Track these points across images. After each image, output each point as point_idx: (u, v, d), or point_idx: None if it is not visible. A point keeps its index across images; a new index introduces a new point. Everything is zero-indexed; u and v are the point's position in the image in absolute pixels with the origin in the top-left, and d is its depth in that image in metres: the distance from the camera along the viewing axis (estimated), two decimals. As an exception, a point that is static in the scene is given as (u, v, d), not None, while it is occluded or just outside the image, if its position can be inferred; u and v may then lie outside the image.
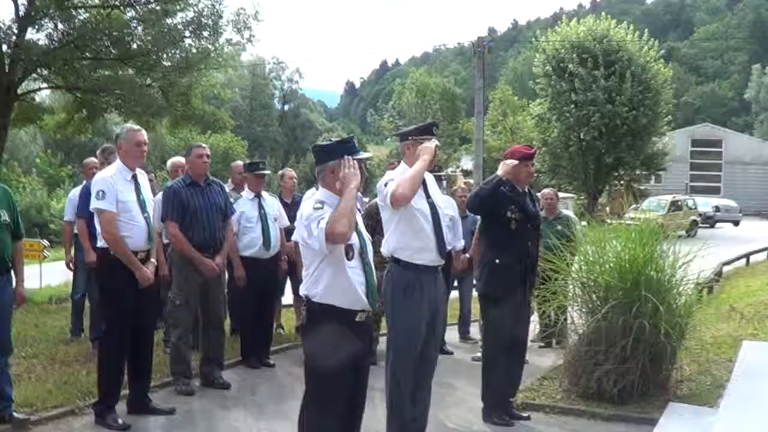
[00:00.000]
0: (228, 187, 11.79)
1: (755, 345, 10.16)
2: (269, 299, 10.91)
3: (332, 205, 5.50)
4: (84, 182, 11.84)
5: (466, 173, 59.83)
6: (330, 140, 5.97)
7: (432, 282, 7.05)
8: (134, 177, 8.05)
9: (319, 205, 5.47)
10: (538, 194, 10.48)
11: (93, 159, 12.03)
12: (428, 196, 7.07)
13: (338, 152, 5.69)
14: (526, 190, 8.43)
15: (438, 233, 7.01)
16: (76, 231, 11.41)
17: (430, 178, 7.25)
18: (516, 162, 8.06)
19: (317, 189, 5.92)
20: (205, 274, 9.13)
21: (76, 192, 11.81)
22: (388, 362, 7.07)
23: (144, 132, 8.24)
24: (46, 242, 19.35)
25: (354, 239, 5.63)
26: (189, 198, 9.13)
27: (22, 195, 49.63)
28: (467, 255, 11.46)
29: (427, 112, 68.61)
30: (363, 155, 5.85)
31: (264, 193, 10.78)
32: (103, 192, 7.76)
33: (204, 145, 9.56)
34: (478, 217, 9.14)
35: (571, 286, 9.24)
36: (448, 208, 11.11)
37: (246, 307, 10.71)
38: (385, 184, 6.86)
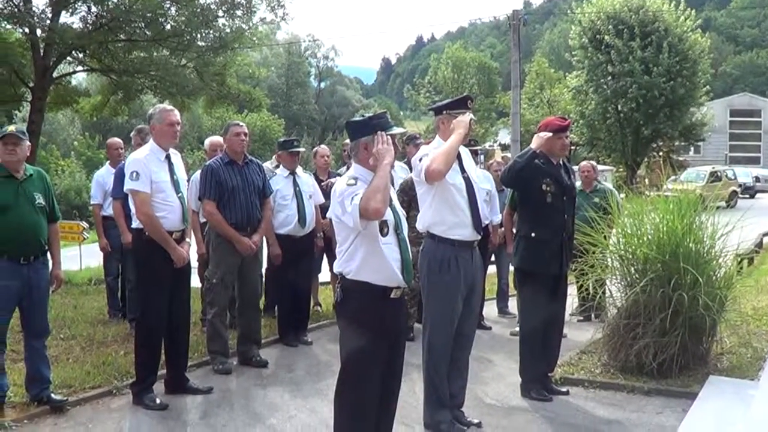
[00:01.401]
0: (272, 164, 11.79)
1: (797, 316, 10.04)
2: (305, 276, 10.89)
3: (366, 180, 5.45)
4: (107, 163, 11.88)
5: (504, 147, 59.69)
6: (363, 116, 5.91)
7: (468, 257, 7.02)
8: (167, 157, 8.01)
9: (353, 181, 5.42)
10: (575, 167, 10.36)
11: (117, 139, 12.10)
12: (463, 171, 7.04)
13: (371, 127, 5.63)
14: (562, 162, 8.34)
15: (474, 208, 6.97)
16: (104, 213, 11.46)
17: (465, 153, 7.22)
18: (549, 134, 7.97)
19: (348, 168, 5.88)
20: (242, 252, 9.11)
21: (101, 173, 11.87)
22: (425, 338, 7.06)
23: (177, 112, 8.21)
24: (85, 224, 19.39)
25: (388, 215, 5.56)
26: (226, 177, 9.10)
27: (61, 178, 50.07)
28: (503, 229, 11.41)
29: (464, 86, 68.56)
30: (396, 130, 5.80)
31: (299, 170, 10.73)
32: (137, 173, 7.74)
33: (241, 123, 9.52)
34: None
35: (609, 260, 9.16)
36: (484, 182, 11.06)
37: (282, 284, 10.70)
38: (420, 159, 6.82)
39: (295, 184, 10.50)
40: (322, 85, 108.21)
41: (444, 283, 6.87)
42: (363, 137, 5.63)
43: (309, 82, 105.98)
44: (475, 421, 7.31)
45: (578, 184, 12.01)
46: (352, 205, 5.27)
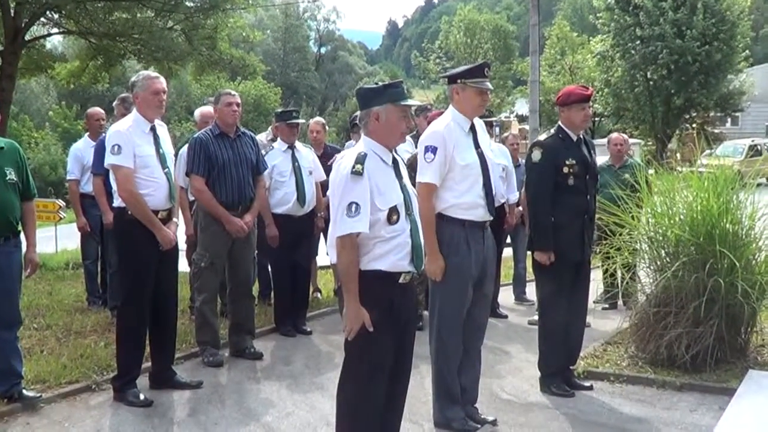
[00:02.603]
0: (267, 137, 11.77)
1: None
2: (305, 260, 10.89)
3: (375, 154, 5.56)
4: (86, 135, 11.84)
5: (521, 118, 59.61)
6: (377, 83, 5.90)
7: (480, 238, 7.05)
8: (153, 129, 7.99)
9: (359, 170, 5.41)
10: (603, 140, 10.30)
11: (98, 109, 12.05)
12: (477, 146, 7.03)
13: (385, 97, 5.65)
14: (581, 136, 8.31)
15: (487, 188, 6.99)
16: (82, 190, 11.45)
17: (480, 126, 7.22)
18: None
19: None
20: (233, 233, 9.10)
21: (80, 146, 11.85)
22: (433, 327, 7.05)
23: (162, 79, 8.16)
24: (61, 203, 19.28)
25: (398, 198, 5.60)
26: (217, 150, 9.07)
27: (35, 151, 50.02)
28: (521, 209, 11.36)
29: (477, 52, 68.32)
30: (411, 102, 5.86)
31: (298, 145, 10.71)
32: (119, 146, 7.70)
33: (233, 92, 9.49)
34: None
35: (637, 242, 9.14)
36: (500, 157, 11.14)
37: (279, 269, 10.71)
38: (426, 149, 6.84)
39: (294, 159, 10.49)
40: (323, 50, 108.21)
41: (454, 267, 6.87)
42: (375, 107, 5.63)
43: (308, 48, 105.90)
44: (490, 418, 7.31)
45: (606, 158, 11.99)
46: (342, 226, 5.38)
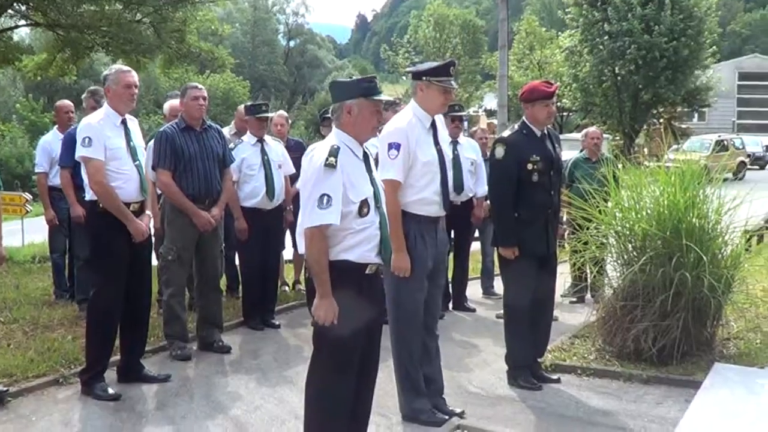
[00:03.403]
0: (230, 132, 11.77)
1: (810, 299, 10.07)
2: (274, 254, 10.88)
3: (348, 147, 5.63)
4: (54, 128, 11.77)
5: (490, 113, 59.71)
6: (351, 77, 5.94)
7: (433, 233, 7.14)
8: (124, 122, 7.98)
9: (332, 162, 5.44)
10: (571, 135, 10.31)
11: (67, 102, 11.96)
12: (437, 143, 7.12)
13: (358, 91, 5.73)
14: (546, 131, 8.35)
15: (444, 184, 7.08)
16: (50, 183, 11.39)
17: (440, 122, 7.32)
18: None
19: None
20: (200, 227, 9.08)
21: (48, 139, 11.79)
22: (393, 321, 7.09)
23: (134, 74, 8.14)
24: (28, 195, 19.17)
25: (369, 190, 5.68)
26: (183, 144, 9.04)
27: (1, 144, 49.59)
28: (488, 203, 11.39)
29: (446, 46, 68.37)
30: (383, 97, 5.93)
31: (267, 138, 10.71)
32: (90, 139, 7.68)
33: (200, 86, 9.46)
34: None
35: (605, 236, 9.18)
36: (469, 151, 11.23)
37: (248, 262, 10.71)
38: (390, 145, 6.87)
39: (264, 152, 10.47)
40: (292, 44, 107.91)
41: (411, 261, 6.90)
42: (348, 100, 5.70)
43: (277, 41, 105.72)
44: (458, 410, 7.33)
45: (576, 153, 12.04)
46: (312, 217, 5.43)
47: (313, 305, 5.50)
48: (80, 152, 7.75)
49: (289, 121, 12.67)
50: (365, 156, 5.80)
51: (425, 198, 6.96)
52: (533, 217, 8.07)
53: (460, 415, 7.25)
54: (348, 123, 5.69)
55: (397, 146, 6.81)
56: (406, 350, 7.04)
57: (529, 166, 8.00)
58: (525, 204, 8.05)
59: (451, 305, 11.88)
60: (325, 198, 5.38)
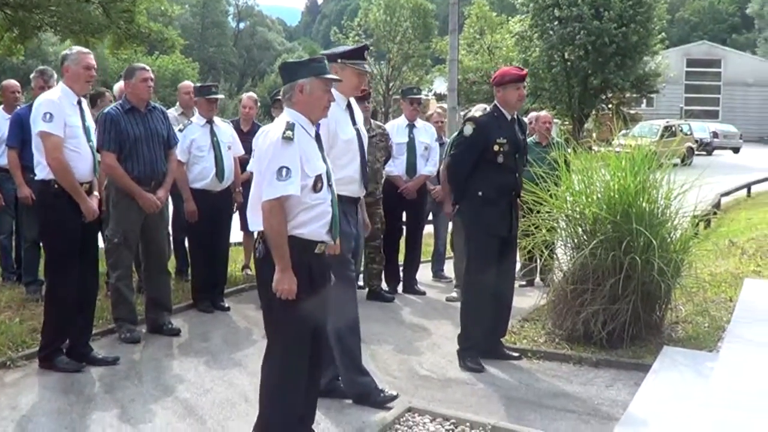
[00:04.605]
0: (176, 112, 11.70)
1: (758, 283, 10.20)
2: (223, 235, 10.82)
3: (302, 126, 5.65)
4: (1, 107, 11.59)
5: (439, 97, 59.68)
6: (301, 57, 5.95)
7: (354, 213, 7.26)
8: (79, 102, 7.99)
9: (289, 135, 5.47)
10: (524, 118, 10.38)
11: (13, 81, 11.80)
12: (354, 123, 7.23)
13: (309, 70, 5.78)
14: (515, 116, 8.50)
15: (363, 164, 7.21)
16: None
17: (355, 106, 7.42)
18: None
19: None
20: (146, 209, 9.01)
21: None
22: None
23: (93, 55, 8.15)
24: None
25: (322, 167, 5.74)
26: (128, 126, 8.93)
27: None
28: (440, 187, 11.40)
29: (397, 30, 68.23)
30: (332, 76, 6.02)
31: (216, 119, 10.65)
32: (51, 114, 7.65)
33: (147, 67, 9.36)
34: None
35: (555, 220, 9.21)
36: (424, 135, 11.33)
37: (197, 244, 10.65)
38: None
39: (213, 134, 10.40)
40: (241, 25, 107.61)
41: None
42: (300, 79, 5.74)
43: (227, 23, 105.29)
44: (394, 393, 7.33)
45: (534, 137, 12.11)
46: (271, 189, 5.43)
47: (275, 280, 5.45)
48: (41, 127, 7.69)
49: (258, 104, 12.61)
50: (317, 136, 5.85)
51: (347, 176, 7.01)
52: (497, 198, 8.23)
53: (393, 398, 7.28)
54: (300, 102, 5.73)
55: (318, 125, 6.85)
56: (345, 326, 7.07)
57: (495, 148, 8.17)
58: (489, 184, 8.21)
59: (401, 288, 11.90)
60: (284, 170, 5.40)
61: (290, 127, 5.51)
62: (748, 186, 25.96)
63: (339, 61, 7.06)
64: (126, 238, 9.10)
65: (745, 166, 34.99)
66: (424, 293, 11.87)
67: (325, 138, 6.81)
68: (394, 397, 7.13)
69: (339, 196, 6.84)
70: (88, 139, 7.97)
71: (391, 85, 62.72)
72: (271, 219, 5.42)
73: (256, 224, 5.65)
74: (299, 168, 5.47)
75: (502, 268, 8.41)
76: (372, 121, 10.91)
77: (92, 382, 7.78)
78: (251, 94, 13.10)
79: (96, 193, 8.19)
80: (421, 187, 11.71)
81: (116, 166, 8.88)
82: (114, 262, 9.17)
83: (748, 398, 6.59)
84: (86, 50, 8.20)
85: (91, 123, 8.13)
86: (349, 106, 7.20)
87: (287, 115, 5.71)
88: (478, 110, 8.62)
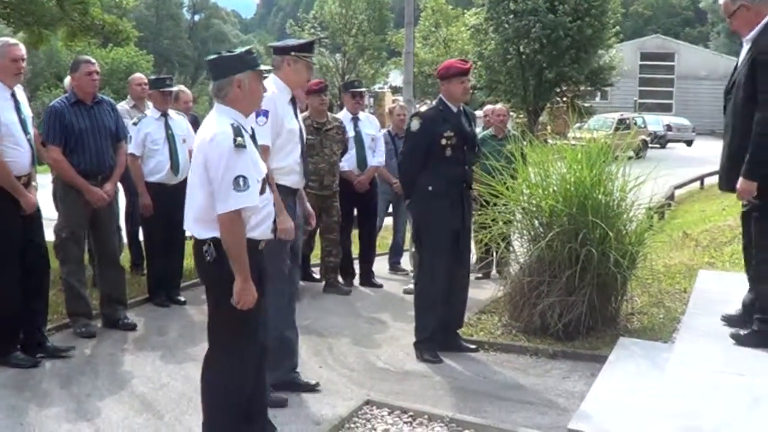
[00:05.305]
0: (127, 104, 11.62)
1: (712, 275, 10.26)
2: (179, 229, 10.72)
3: (243, 129, 5.51)
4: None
5: (395, 90, 59.72)
6: (231, 51, 5.84)
7: (293, 204, 7.26)
8: (13, 95, 7.89)
9: (241, 143, 5.36)
10: (479, 111, 10.42)
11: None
12: (296, 116, 7.25)
13: (246, 64, 5.66)
14: (462, 108, 8.51)
15: (303, 156, 7.27)
16: None
17: (299, 100, 7.60)
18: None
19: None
20: (93, 203, 8.94)
21: None
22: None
23: (22, 46, 8.04)
24: None
25: (264, 167, 5.72)
26: (73, 119, 8.85)
27: None
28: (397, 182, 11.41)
29: (353, 22, 68.22)
30: (264, 67, 5.97)
31: (171, 112, 10.57)
32: None
33: (93, 60, 9.26)
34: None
35: (512, 213, 9.23)
36: (369, 127, 11.38)
37: (152, 238, 10.58)
38: (257, 113, 6.90)
39: (168, 126, 10.34)
40: (196, 18, 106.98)
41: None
42: (238, 74, 5.60)
43: (181, 15, 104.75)
44: (313, 382, 7.42)
45: (489, 130, 12.15)
46: (230, 201, 5.33)
47: (236, 291, 5.38)
48: None
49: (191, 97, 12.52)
50: (252, 133, 5.77)
51: (287, 166, 7.07)
52: (447, 190, 8.25)
53: (315, 387, 7.36)
54: (238, 98, 5.59)
55: (266, 113, 6.83)
56: (282, 320, 7.15)
57: (443, 141, 8.20)
58: (440, 177, 8.23)
59: (357, 281, 11.93)
60: (241, 179, 5.30)
61: (238, 132, 5.38)
62: (701, 178, 26.21)
63: (292, 53, 7.09)
64: (73, 232, 9.03)
65: (698, 159, 35.22)
66: (381, 286, 11.86)
67: (272, 125, 6.86)
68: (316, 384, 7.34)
69: (278, 186, 6.87)
70: (26, 132, 7.88)
71: (346, 77, 62.51)
72: (232, 231, 5.33)
73: (200, 231, 5.58)
74: (254, 175, 5.41)
75: (455, 260, 8.43)
76: (328, 113, 10.91)
77: (47, 377, 7.72)
78: (184, 89, 12.88)
79: (34, 183, 8.12)
80: (372, 179, 11.72)
81: (62, 160, 8.81)
82: (63, 257, 9.09)
83: (703, 389, 6.62)
84: (13, 41, 8.10)
85: (27, 113, 8.03)
86: (293, 99, 7.20)
87: (225, 114, 5.56)
88: (424, 106, 8.70)
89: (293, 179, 7.15)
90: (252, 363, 5.77)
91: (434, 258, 8.31)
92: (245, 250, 5.38)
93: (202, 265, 5.63)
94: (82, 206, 8.96)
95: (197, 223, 5.59)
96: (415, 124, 8.38)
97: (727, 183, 7.56)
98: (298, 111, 7.33)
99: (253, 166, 5.46)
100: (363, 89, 12.56)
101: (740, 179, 7.14)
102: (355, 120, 11.63)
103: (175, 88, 10.83)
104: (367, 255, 12.19)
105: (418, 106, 11.13)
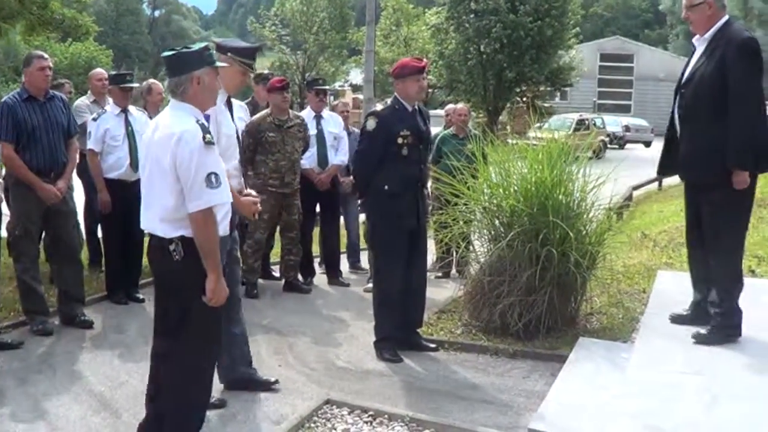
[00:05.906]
0: (88, 100, 11.54)
1: (671, 275, 10.31)
2: (138, 226, 10.65)
3: (202, 120, 5.51)
4: None
5: (355, 88, 59.71)
6: (188, 47, 5.78)
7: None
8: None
9: (210, 139, 5.36)
10: (443, 110, 10.41)
11: None
12: (232, 119, 7.19)
13: (204, 60, 5.63)
14: (417, 107, 8.51)
15: (241, 159, 7.36)
16: None
17: (236, 105, 7.65)
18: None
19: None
20: (45, 200, 8.87)
21: None
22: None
23: None
24: None
25: (221, 162, 5.67)
26: (25, 115, 8.77)
27: None
28: (351, 178, 11.36)
29: (314, 20, 68.12)
30: (220, 64, 5.94)
31: (131, 108, 10.50)
32: None
33: (45, 55, 9.18)
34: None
35: (472, 212, 9.24)
36: (332, 125, 11.35)
37: (111, 235, 10.50)
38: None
39: (128, 123, 10.27)
40: (156, 13, 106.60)
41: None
42: (196, 70, 5.57)
43: (141, 10, 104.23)
44: (272, 379, 7.41)
45: (450, 129, 12.16)
46: (203, 198, 5.29)
47: (210, 289, 5.36)
48: None
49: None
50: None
51: (227, 171, 6.93)
52: (403, 190, 8.25)
53: (274, 384, 7.35)
54: (197, 94, 5.56)
55: (207, 117, 6.78)
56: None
57: (399, 140, 8.18)
58: (395, 177, 8.22)
59: (325, 280, 11.98)
60: (213, 177, 5.28)
61: (205, 129, 5.38)
62: (659, 179, 26.31)
63: (229, 54, 7.00)
64: (26, 229, 8.96)
65: (656, 160, 35.19)
66: (348, 285, 11.84)
67: (213, 131, 6.81)
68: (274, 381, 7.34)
69: None
70: None
71: (307, 75, 62.36)
72: (206, 229, 5.31)
73: (167, 230, 5.51)
74: (223, 172, 5.41)
75: (412, 259, 8.43)
76: (290, 111, 10.86)
77: (2, 376, 7.65)
78: (157, 82, 12.79)
79: None
80: (333, 177, 11.70)
81: (14, 157, 8.72)
82: (17, 254, 9.06)
83: (662, 388, 6.65)
84: None
85: None
86: (228, 101, 7.10)
87: (185, 111, 5.52)
88: (380, 105, 8.69)
89: (233, 183, 6.99)
90: (213, 361, 5.83)
91: (390, 258, 8.31)
92: (218, 246, 5.39)
93: (168, 265, 5.54)
94: (35, 203, 8.88)
95: (163, 223, 5.51)
96: (371, 124, 8.34)
97: (699, 172, 7.82)
98: (235, 115, 7.29)
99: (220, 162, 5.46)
100: (327, 87, 12.55)
101: (735, 172, 7.28)
102: (318, 118, 11.57)
103: (134, 85, 10.75)
104: (332, 253, 12.17)
105: (378, 104, 11.10)
